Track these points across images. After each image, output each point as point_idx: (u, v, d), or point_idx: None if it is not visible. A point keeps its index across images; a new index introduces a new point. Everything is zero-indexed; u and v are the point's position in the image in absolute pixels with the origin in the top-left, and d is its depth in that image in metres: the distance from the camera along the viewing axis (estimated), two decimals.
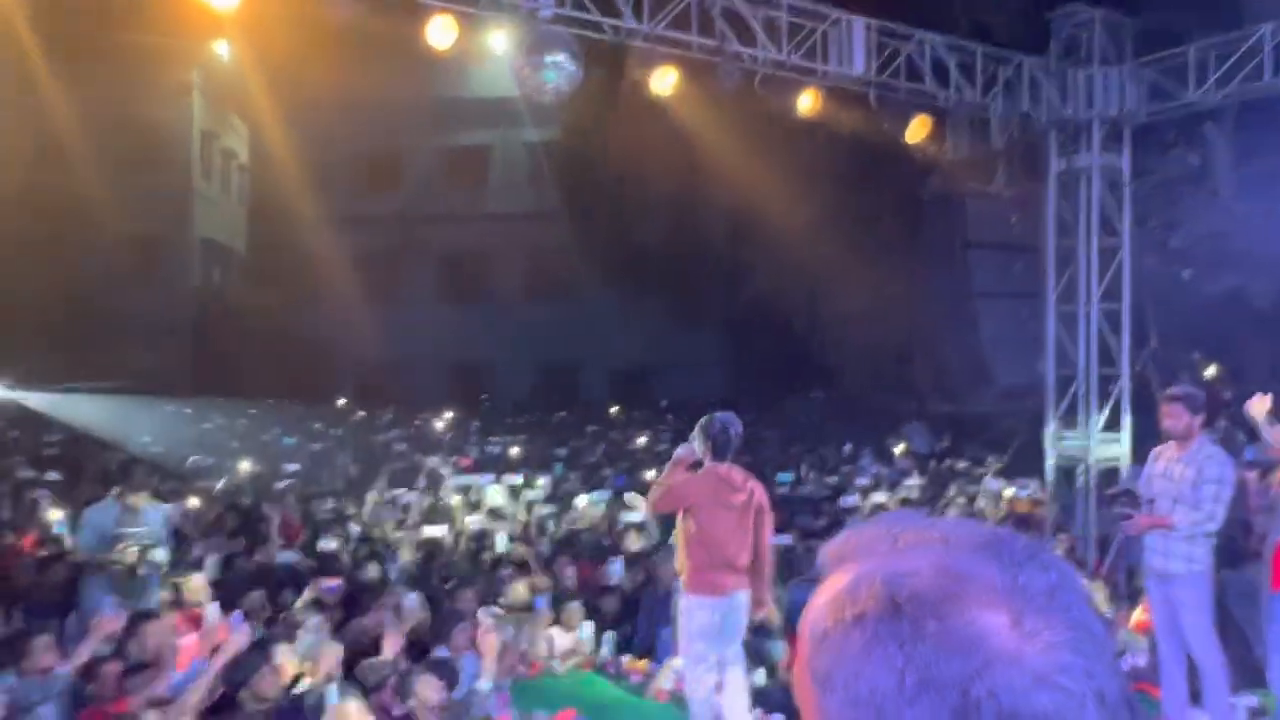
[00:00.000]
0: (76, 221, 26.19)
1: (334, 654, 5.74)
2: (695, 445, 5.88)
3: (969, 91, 10.05)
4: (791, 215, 14.95)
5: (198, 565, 7.45)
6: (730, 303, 19.18)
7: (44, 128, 26.03)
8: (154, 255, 30.21)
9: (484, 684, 6.02)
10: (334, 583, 7.01)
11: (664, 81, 8.37)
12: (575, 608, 7.20)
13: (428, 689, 5.22)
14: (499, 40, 8.29)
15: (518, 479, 12.23)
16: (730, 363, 23.74)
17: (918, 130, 9.61)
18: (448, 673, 5.56)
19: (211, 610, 6.57)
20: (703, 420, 5.94)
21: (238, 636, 5.05)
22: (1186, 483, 5.85)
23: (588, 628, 7.16)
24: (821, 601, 0.83)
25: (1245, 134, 11.26)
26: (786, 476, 13.35)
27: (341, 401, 25.67)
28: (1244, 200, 11.39)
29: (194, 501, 9.65)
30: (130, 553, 7.28)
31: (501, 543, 8.05)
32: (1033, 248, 11.54)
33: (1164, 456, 6.10)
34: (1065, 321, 10.95)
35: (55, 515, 9.17)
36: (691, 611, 5.83)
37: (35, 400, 17.77)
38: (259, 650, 5.22)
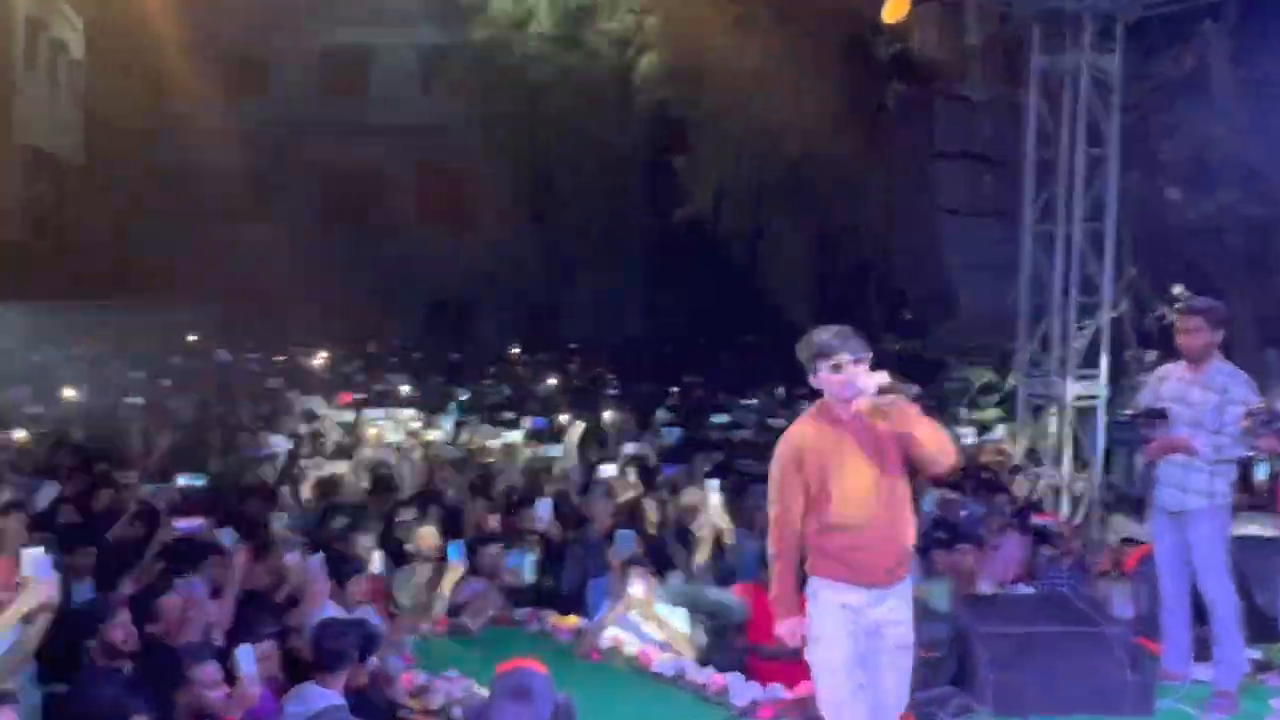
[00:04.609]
0: None
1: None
2: None
3: None
4: (734, 121, 14.41)
5: (17, 506, 6.73)
6: (656, 228, 18.64)
7: None
8: None
9: None
10: (193, 522, 6.34)
11: None
12: (494, 553, 6.77)
13: None
14: None
15: (408, 415, 11.84)
16: (654, 299, 23.30)
17: (896, 7, 9.23)
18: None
19: (28, 555, 5.92)
20: None
21: (43, 588, 4.52)
22: (1208, 406, 5.68)
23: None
24: None
25: (1248, 34, 11.18)
26: (721, 418, 13.20)
27: (193, 338, 24.29)
28: (1242, 107, 11.36)
29: (22, 435, 8.98)
30: None
31: (406, 481, 7.55)
32: (1007, 160, 11.36)
33: (1173, 377, 5.91)
34: (1042, 243, 10.81)
35: None
36: (817, 597, 4.26)
37: None
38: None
